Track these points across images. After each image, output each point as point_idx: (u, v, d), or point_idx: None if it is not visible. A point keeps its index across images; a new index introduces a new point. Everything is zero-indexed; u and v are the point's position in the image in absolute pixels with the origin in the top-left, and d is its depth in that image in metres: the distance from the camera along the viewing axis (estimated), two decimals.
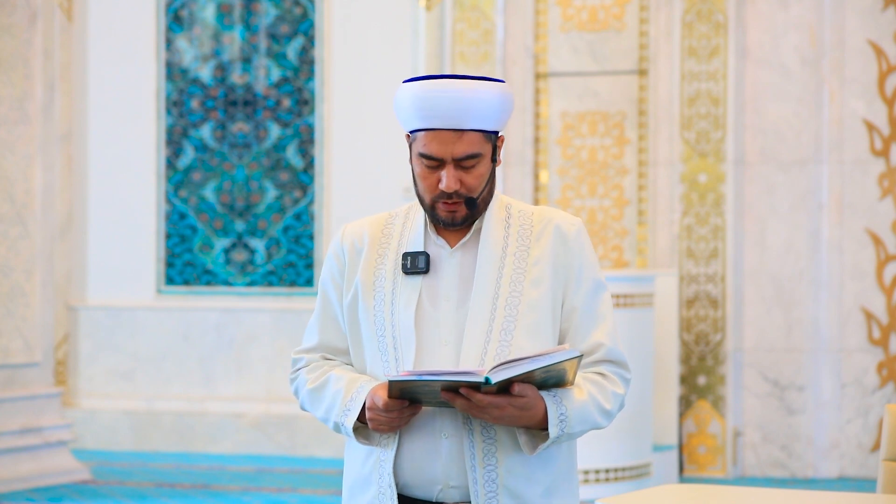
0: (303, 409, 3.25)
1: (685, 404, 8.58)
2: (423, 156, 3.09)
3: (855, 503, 3.67)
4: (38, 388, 8.19)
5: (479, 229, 3.16)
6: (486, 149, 3.12)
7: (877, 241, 8.52)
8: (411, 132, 3.14)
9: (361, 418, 3.09)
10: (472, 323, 3.07)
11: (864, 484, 8.29)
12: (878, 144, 8.53)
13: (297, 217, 9.70)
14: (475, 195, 3.10)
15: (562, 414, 3.02)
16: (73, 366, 9.92)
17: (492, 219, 3.16)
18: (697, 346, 8.59)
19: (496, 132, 3.14)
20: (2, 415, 7.96)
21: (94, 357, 9.90)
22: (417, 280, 3.12)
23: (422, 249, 3.14)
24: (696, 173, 8.61)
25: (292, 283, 9.70)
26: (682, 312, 8.59)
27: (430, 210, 3.12)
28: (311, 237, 9.68)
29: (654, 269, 8.59)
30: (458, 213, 3.11)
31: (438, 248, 3.15)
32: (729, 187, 8.57)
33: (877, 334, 8.52)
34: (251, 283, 9.78)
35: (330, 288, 3.21)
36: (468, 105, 3.08)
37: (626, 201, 8.81)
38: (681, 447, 8.55)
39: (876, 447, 8.47)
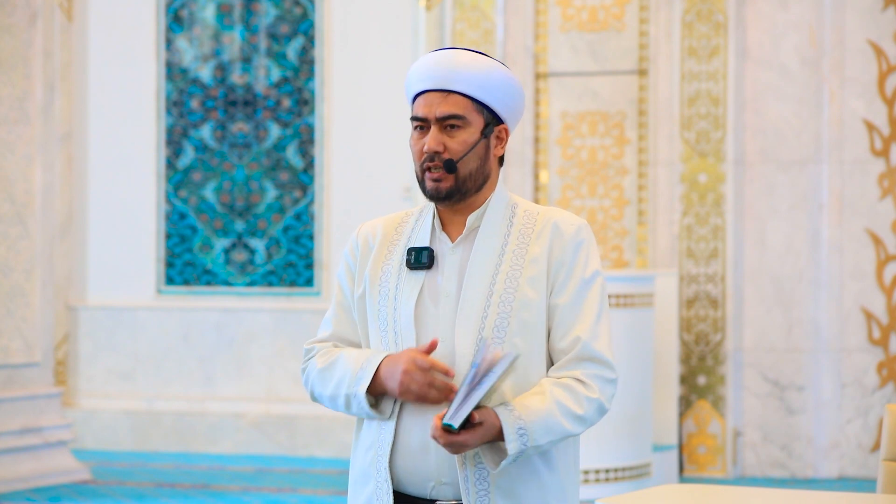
0: (312, 397, 3.22)
1: (685, 404, 8.58)
2: (412, 119, 3.15)
3: (855, 503, 3.67)
4: (38, 388, 8.19)
5: (479, 226, 3.17)
6: (475, 118, 3.13)
7: (877, 241, 8.52)
8: (412, 103, 3.18)
9: (372, 392, 3.09)
10: (463, 319, 3.08)
11: (864, 484, 8.29)
12: (878, 144, 8.53)
13: (297, 217, 9.70)
14: (456, 158, 3.10)
15: (520, 428, 2.98)
16: (73, 366, 9.92)
17: (493, 215, 3.16)
18: (697, 346, 8.59)
19: (490, 109, 3.14)
20: (2, 415, 7.96)
21: (94, 357, 9.90)
22: (420, 275, 3.13)
23: (427, 245, 3.15)
24: (696, 173, 8.61)
25: (292, 283, 9.70)
26: (682, 312, 8.59)
27: (422, 184, 3.15)
28: (311, 237, 9.68)
29: (654, 269, 8.59)
30: (441, 182, 3.11)
31: (442, 244, 3.16)
32: (729, 187, 8.57)
33: (877, 334, 8.52)
34: (251, 283, 9.78)
35: (344, 281, 3.23)
36: (455, 67, 3.12)
37: (626, 201, 8.81)
38: (681, 447, 8.55)
39: (876, 447, 8.47)
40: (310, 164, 9.68)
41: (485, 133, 3.14)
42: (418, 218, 3.22)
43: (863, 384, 8.52)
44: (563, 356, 3.08)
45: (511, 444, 2.97)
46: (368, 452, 3.14)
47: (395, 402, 3.09)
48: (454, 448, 2.97)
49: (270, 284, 9.75)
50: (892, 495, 3.49)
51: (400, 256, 3.17)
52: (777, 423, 8.55)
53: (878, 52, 8.51)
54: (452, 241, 3.16)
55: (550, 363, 3.13)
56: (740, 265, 8.60)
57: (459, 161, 3.10)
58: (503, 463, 3.00)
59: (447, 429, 2.94)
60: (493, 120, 3.16)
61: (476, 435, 2.96)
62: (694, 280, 8.60)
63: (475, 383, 2.94)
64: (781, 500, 3.51)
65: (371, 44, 9.53)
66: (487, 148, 3.15)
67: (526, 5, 8.86)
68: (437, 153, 3.10)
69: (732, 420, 8.55)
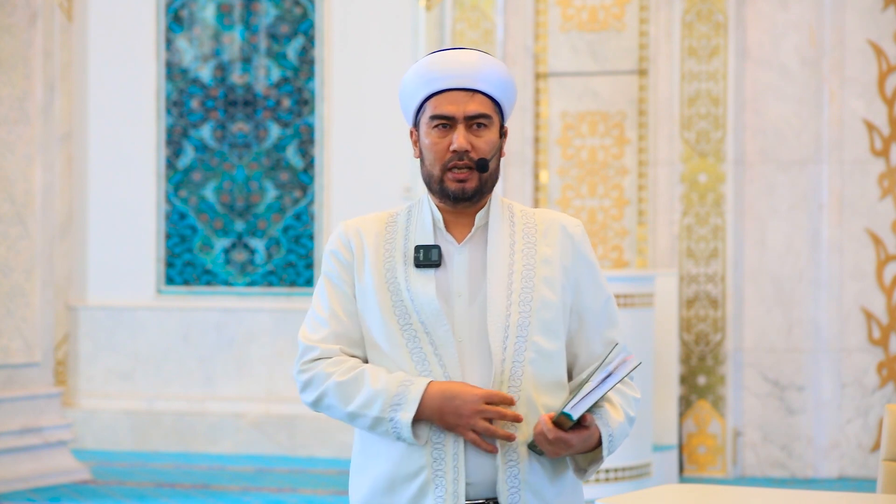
0: (315, 403, 3.13)
1: (685, 404, 8.58)
2: (434, 117, 3.11)
3: (855, 503, 3.67)
4: (38, 388, 8.19)
5: (484, 225, 3.16)
6: (496, 119, 3.15)
7: (877, 241, 8.52)
8: (421, 103, 3.14)
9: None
10: (493, 318, 3.07)
11: (864, 484, 8.29)
12: (878, 144, 8.53)
13: (297, 217, 9.70)
14: (487, 157, 3.10)
15: (610, 436, 3.08)
16: (73, 366, 9.92)
17: (496, 215, 3.16)
18: (697, 346, 8.58)
19: (501, 111, 3.16)
20: (2, 415, 7.96)
21: (94, 357, 9.90)
22: (430, 273, 3.11)
23: (433, 243, 3.14)
24: (696, 173, 8.61)
25: (292, 283, 9.70)
26: (682, 312, 8.59)
27: (440, 184, 3.11)
28: (311, 237, 9.68)
29: (654, 269, 8.59)
30: (468, 182, 3.10)
31: (447, 243, 3.14)
32: (729, 187, 8.57)
33: (877, 334, 8.52)
34: (251, 283, 9.78)
35: (339, 280, 3.16)
36: (478, 67, 3.13)
37: (626, 201, 8.81)
38: (681, 447, 8.55)
39: (876, 447, 8.47)
40: (310, 164, 9.67)
41: (501, 133, 3.17)
42: (409, 216, 3.19)
43: (863, 384, 8.52)
44: (599, 357, 3.15)
45: (605, 451, 3.07)
46: (414, 455, 3.09)
47: (430, 428, 3.05)
48: (556, 447, 3.00)
49: (270, 284, 9.75)
50: (892, 495, 3.49)
51: (401, 254, 3.14)
52: (777, 423, 8.54)
53: (878, 52, 8.50)
54: (458, 241, 3.15)
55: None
56: (740, 265, 8.60)
57: (490, 160, 3.11)
58: (591, 470, 3.10)
59: (561, 422, 2.98)
60: (501, 118, 3.18)
61: (581, 437, 3.02)
62: (694, 280, 8.60)
63: (599, 383, 2.99)
64: (781, 500, 3.51)
65: (371, 44, 9.53)
66: (500, 148, 3.17)
67: (526, 5, 8.86)
68: (466, 152, 3.09)
69: (732, 420, 8.55)
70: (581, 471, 3.12)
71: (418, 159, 3.17)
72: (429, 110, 3.12)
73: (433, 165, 3.11)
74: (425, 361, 3.07)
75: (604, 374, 2.98)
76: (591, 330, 3.15)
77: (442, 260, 3.12)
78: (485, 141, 3.11)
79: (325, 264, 3.20)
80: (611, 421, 3.08)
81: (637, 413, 3.16)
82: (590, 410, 3.03)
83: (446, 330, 3.06)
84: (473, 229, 3.15)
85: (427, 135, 3.12)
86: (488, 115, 3.11)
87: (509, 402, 3.02)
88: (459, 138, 3.09)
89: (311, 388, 3.12)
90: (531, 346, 3.07)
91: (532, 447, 3.06)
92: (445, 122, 3.11)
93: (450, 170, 3.10)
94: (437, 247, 3.12)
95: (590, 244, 3.20)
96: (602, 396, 3.01)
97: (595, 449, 3.09)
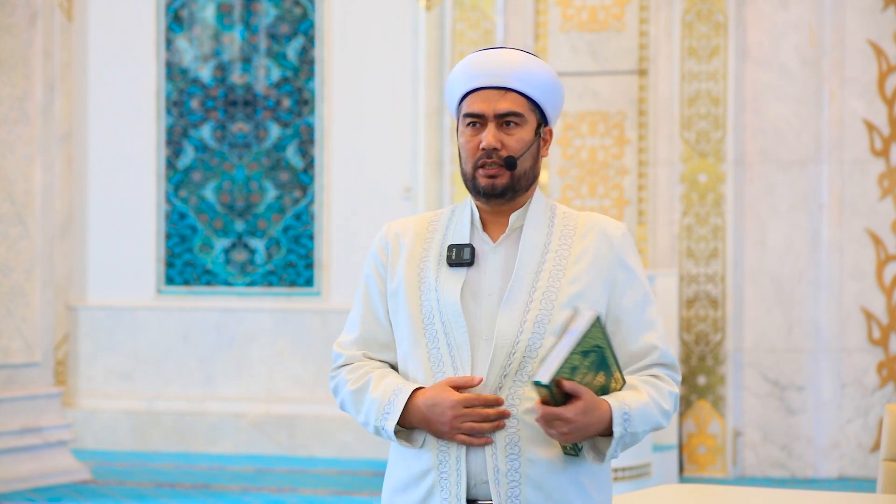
0: (341, 409, 3.21)
1: (685, 404, 8.58)
2: (467, 115, 3.13)
3: (855, 503, 3.67)
4: (38, 388, 8.19)
5: (522, 226, 3.16)
6: (530, 117, 3.15)
7: (877, 241, 8.53)
8: (459, 101, 3.16)
9: (401, 421, 3.07)
10: (504, 314, 3.07)
11: (864, 484, 8.29)
12: (878, 144, 8.53)
13: (297, 217, 9.70)
14: (516, 155, 3.11)
15: (625, 413, 3.01)
16: (73, 366, 9.92)
17: (535, 216, 3.16)
18: (697, 346, 8.59)
19: (541, 109, 3.17)
20: (2, 415, 7.96)
21: (94, 357, 9.90)
22: (461, 272, 3.12)
23: (467, 242, 3.15)
24: (696, 173, 8.61)
25: (292, 283, 9.70)
26: (682, 312, 8.59)
27: (472, 181, 3.13)
28: (311, 237, 9.68)
29: (654, 269, 8.59)
30: (498, 178, 3.10)
31: (483, 243, 3.15)
32: (729, 187, 8.57)
33: (877, 334, 8.52)
34: (251, 283, 9.78)
35: (372, 282, 3.20)
36: (512, 66, 3.13)
37: (626, 201, 8.81)
38: (681, 447, 8.55)
39: (876, 447, 8.47)
40: (310, 164, 9.68)
41: (538, 132, 3.17)
42: (451, 217, 3.20)
43: (863, 384, 8.52)
44: (636, 360, 3.12)
45: (617, 427, 2.99)
46: (421, 457, 3.11)
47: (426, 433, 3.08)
48: (558, 428, 2.95)
49: (270, 284, 9.75)
50: (892, 495, 3.49)
51: (436, 254, 3.15)
52: (777, 423, 8.55)
53: (878, 52, 8.51)
54: (493, 241, 3.16)
55: None
56: (740, 265, 8.60)
57: (520, 158, 3.11)
58: (609, 451, 3.03)
59: (541, 396, 2.93)
60: (542, 120, 3.18)
61: (576, 410, 2.95)
62: (694, 280, 8.60)
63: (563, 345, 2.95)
64: (781, 500, 3.51)
65: (371, 44, 9.53)
66: (538, 148, 3.17)
67: (526, 5, 8.86)
68: (495, 150, 3.10)
69: (732, 420, 8.55)
70: (599, 455, 3.06)
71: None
72: (464, 108, 3.16)
73: (466, 163, 3.14)
74: (440, 362, 3.09)
75: (567, 337, 2.96)
76: (627, 333, 3.12)
77: (475, 259, 3.13)
78: (516, 139, 3.12)
79: (365, 267, 3.24)
80: (627, 399, 3.02)
81: (672, 407, 3.10)
82: (605, 398, 3.01)
83: (463, 331, 3.07)
84: (508, 229, 3.15)
85: (461, 133, 3.16)
86: (520, 113, 3.12)
87: (492, 402, 3.02)
88: (488, 136, 3.10)
89: (336, 396, 3.21)
90: (547, 343, 3.06)
91: (564, 449, 3.02)
92: (476, 121, 3.13)
93: (481, 167, 3.12)
94: (469, 245, 3.13)
95: (633, 248, 3.18)
96: (598, 365, 2.97)
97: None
